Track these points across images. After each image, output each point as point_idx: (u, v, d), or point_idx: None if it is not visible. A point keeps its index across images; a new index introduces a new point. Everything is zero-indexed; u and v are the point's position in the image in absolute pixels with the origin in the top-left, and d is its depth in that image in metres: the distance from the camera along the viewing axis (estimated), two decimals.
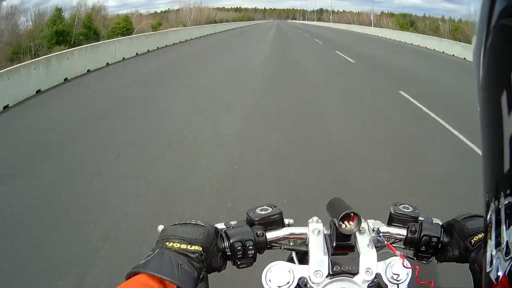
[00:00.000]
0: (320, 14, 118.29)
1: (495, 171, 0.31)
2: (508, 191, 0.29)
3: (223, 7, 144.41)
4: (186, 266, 0.65)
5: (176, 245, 0.68)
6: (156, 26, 37.66)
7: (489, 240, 0.32)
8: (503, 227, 0.30)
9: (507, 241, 0.29)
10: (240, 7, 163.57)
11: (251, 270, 0.81)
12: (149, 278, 0.62)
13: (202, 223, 0.75)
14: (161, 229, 0.74)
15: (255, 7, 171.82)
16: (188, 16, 45.29)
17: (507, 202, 0.29)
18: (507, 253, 0.29)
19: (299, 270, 0.74)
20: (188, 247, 0.68)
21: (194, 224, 0.74)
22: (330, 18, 71.10)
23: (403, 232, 0.84)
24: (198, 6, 53.54)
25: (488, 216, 0.32)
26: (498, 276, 0.29)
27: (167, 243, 0.68)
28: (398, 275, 0.75)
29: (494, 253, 0.30)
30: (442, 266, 0.88)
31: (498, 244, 0.30)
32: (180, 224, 0.74)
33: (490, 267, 0.31)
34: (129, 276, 0.63)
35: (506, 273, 0.29)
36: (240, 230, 0.79)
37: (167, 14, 52.56)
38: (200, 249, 0.69)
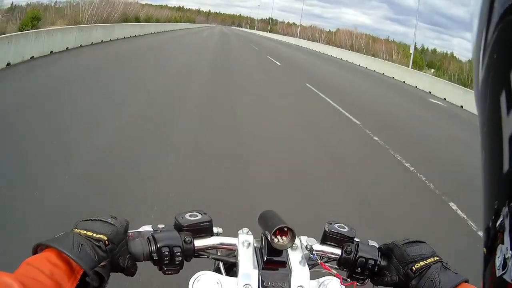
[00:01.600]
0: (269, 24, 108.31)
1: (496, 172, 0.31)
2: None
3: (166, 5, 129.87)
4: (87, 248, 0.64)
5: (83, 231, 0.67)
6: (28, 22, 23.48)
7: (500, 245, 0.31)
8: None
9: None
10: (183, 6, 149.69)
11: (175, 277, 0.77)
12: (56, 258, 0.61)
13: (111, 221, 0.71)
14: (74, 224, 0.71)
15: (199, 9, 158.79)
16: (86, 10, 31.34)
17: None
18: None
19: (227, 282, 0.72)
20: (94, 235, 0.67)
21: (104, 221, 0.71)
22: (298, 31, 60.14)
23: (337, 251, 0.82)
24: None
25: (498, 223, 0.31)
26: None
27: (75, 229, 0.68)
28: None
29: (509, 255, 0.30)
30: None
31: None
32: (91, 220, 0.71)
33: (504, 270, 0.30)
34: (35, 249, 0.64)
35: None
36: (168, 235, 0.75)
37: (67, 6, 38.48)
38: (105, 238, 0.67)
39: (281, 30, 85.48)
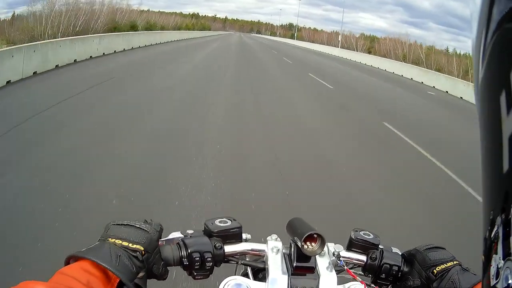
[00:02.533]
0: (294, 30, 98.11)
1: (495, 172, 0.31)
2: None
3: (181, 12, 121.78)
4: (125, 259, 0.63)
5: (118, 241, 0.66)
6: None
7: (494, 255, 0.32)
8: None
9: None
10: (197, 13, 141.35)
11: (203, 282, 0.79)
12: (91, 267, 0.61)
13: (145, 228, 0.71)
14: (104, 227, 0.71)
15: (215, 15, 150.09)
16: (52, 20, 21.78)
17: None
18: None
19: (256, 287, 0.73)
20: (130, 245, 0.66)
21: (138, 227, 0.70)
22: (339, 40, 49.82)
23: (362, 258, 0.84)
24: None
25: (493, 233, 0.32)
26: (508, 285, 0.29)
27: (109, 239, 0.67)
28: None
29: (501, 265, 0.31)
30: None
31: (507, 255, 0.30)
32: (123, 224, 0.70)
33: (497, 279, 0.31)
34: (68, 260, 0.63)
35: None
36: (198, 241, 0.76)
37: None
38: (142, 248, 0.67)
39: (307, 36, 75.25)
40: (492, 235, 0.32)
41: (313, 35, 74.55)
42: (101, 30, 28.65)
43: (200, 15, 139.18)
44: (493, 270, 0.31)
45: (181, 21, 64.23)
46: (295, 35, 70.03)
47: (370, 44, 53.00)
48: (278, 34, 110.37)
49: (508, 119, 0.29)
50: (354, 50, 49.07)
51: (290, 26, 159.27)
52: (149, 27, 43.68)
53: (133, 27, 38.00)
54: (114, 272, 0.60)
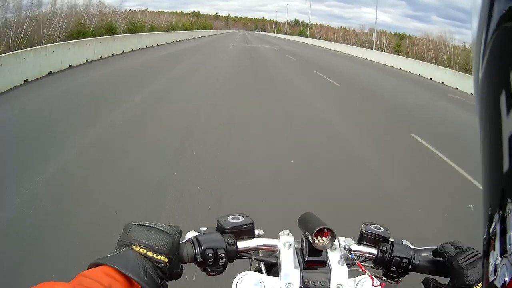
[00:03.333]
0: (306, 27, 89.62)
1: (495, 172, 0.31)
2: None
3: (181, 11, 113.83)
4: (151, 271, 0.64)
5: (143, 250, 0.66)
6: None
7: (492, 251, 0.32)
8: (510, 233, 0.30)
9: None
10: (198, 12, 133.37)
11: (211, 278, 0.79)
12: (114, 272, 0.60)
13: (167, 230, 0.71)
14: (124, 227, 0.70)
15: (217, 13, 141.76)
16: None
17: None
18: None
19: (269, 282, 0.74)
20: (155, 255, 0.66)
21: (160, 230, 0.70)
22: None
23: (373, 251, 0.84)
24: None
25: (491, 229, 0.32)
26: (505, 281, 0.29)
27: (134, 246, 0.66)
28: None
29: (498, 261, 0.31)
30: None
31: (504, 252, 0.30)
32: (145, 226, 0.70)
33: (494, 275, 0.31)
34: (92, 266, 0.62)
35: None
36: (211, 237, 0.77)
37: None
38: (166, 260, 0.67)
39: (318, 34, 66.95)
40: (490, 232, 0.32)
41: (326, 32, 66.24)
42: (59, 38, 21.02)
43: (202, 13, 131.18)
44: (491, 266, 0.32)
45: (178, 20, 56.40)
46: (308, 33, 61.56)
47: (396, 42, 44.84)
48: (285, 31, 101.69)
49: (508, 119, 0.29)
50: (380, 50, 40.97)
51: (296, 22, 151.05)
52: (134, 29, 36.12)
53: (111, 30, 30.34)
54: (142, 285, 0.61)
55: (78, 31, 24.71)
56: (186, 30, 54.73)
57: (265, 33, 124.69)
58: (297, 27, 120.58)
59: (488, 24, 0.31)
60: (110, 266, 0.61)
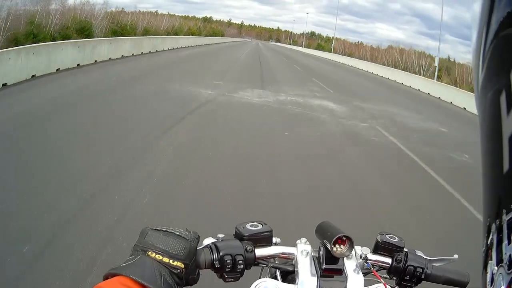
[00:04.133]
0: (323, 40, 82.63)
1: (495, 173, 0.32)
2: (511, 206, 0.30)
3: (194, 16, 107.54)
4: (168, 278, 0.63)
5: (159, 256, 0.65)
6: None
7: (489, 261, 0.33)
8: (505, 242, 0.30)
9: (509, 255, 0.30)
10: (210, 17, 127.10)
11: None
12: (130, 282, 0.60)
13: (185, 236, 0.70)
14: (141, 232, 0.70)
15: (230, 20, 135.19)
16: None
17: (509, 217, 0.30)
18: (509, 267, 0.30)
19: None
20: (171, 261, 0.66)
21: (178, 235, 0.69)
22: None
23: (388, 260, 0.85)
24: None
25: (489, 240, 0.33)
26: None
27: (149, 252, 0.65)
28: None
29: (495, 271, 0.31)
30: None
31: (500, 261, 0.31)
32: (162, 231, 0.69)
33: (491, 285, 0.32)
34: (107, 277, 0.61)
35: (509, 284, 0.30)
36: (230, 244, 0.77)
37: None
38: (182, 266, 0.67)
39: (340, 49, 59.62)
40: (488, 242, 0.32)
41: (349, 48, 58.82)
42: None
43: (214, 19, 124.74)
44: (488, 277, 0.32)
45: (183, 24, 49.54)
46: (332, 47, 53.79)
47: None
48: (303, 43, 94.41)
49: (508, 119, 0.29)
50: (418, 74, 33.48)
51: (312, 34, 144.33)
52: (119, 31, 29.14)
53: (83, 31, 23.26)
54: None
55: (27, 33, 17.57)
56: (192, 35, 48.09)
57: (279, 44, 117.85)
58: (314, 40, 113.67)
59: (488, 25, 0.31)
60: (126, 276, 0.60)
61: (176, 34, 44.03)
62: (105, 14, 27.64)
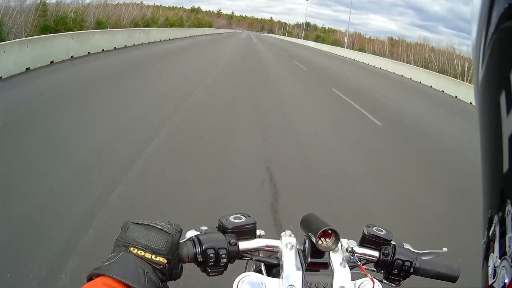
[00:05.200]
0: (307, 29, 73.70)
1: (495, 172, 0.31)
2: None
3: (182, 7, 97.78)
4: (151, 275, 0.62)
5: (141, 252, 0.64)
6: None
7: (491, 253, 0.32)
8: (509, 234, 0.30)
9: None
10: (198, 7, 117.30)
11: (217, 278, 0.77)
12: (113, 282, 0.59)
13: (167, 229, 0.68)
14: (122, 226, 0.68)
15: (219, 10, 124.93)
16: None
17: None
18: None
19: (271, 283, 0.72)
20: (153, 257, 0.64)
21: (159, 229, 0.68)
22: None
23: (375, 254, 0.83)
24: None
25: (491, 231, 0.32)
26: (504, 284, 0.29)
27: (131, 248, 0.64)
28: None
29: (498, 264, 0.31)
30: None
31: (503, 254, 0.30)
32: (144, 225, 0.67)
33: (494, 278, 0.31)
34: (91, 277, 0.60)
35: None
36: (213, 237, 0.74)
37: None
38: (165, 261, 0.65)
39: (348, 43, 50.98)
40: (490, 234, 0.32)
41: (360, 42, 50.07)
42: None
43: (204, 10, 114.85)
44: (490, 270, 0.31)
45: (157, 14, 40.53)
46: (345, 42, 44.57)
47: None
48: (299, 35, 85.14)
49: (508, 119, 0.29)
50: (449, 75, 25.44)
51: (307, 25, 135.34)
52: (53, 27, 20.41)
53: None
54: None
55: None
56: (171, 27, 39.22)
57: (273, 35, 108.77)
58: (311, 30, 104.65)
59: (488, 26, 0.31)
60: (109, 277, 0.58)
61: (147, 25, 35.32)
62: (29, 7, 18.93)
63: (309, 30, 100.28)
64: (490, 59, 0.31)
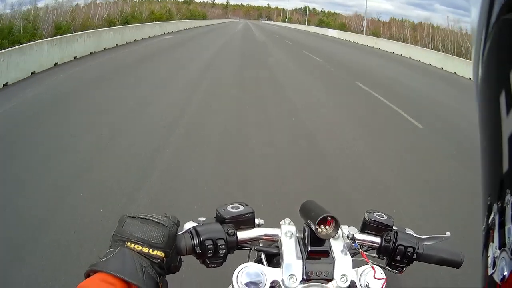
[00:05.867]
0: (307, 14, 67.70)
1: (495, 171, 0.31)
2: None
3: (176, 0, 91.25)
4: (149, 269, 0.62)
5: (138, 247, 0.63)
6: None
7: (490, 243, 0.31)
8: (509, 225, 0.29)
9: None
10: None
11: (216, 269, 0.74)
12: (111, 278, 0.58)
13: (163, 222, 0.68)
14: (118, 220, 0.68)
15: (213, 0, 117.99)
16: None
17: None
18: None
19: (271, 273, 0.71)
20: (150, 251, 0.64)
21: (156, 222, 0.67)
22: None
23: (377, 240, 0.81)
24: None
25: (490, 219, 0.32)
26: (504, 276, 0.29)
27: (128, 243, 0.63)
28: (369, 283, 0.72)
29: (497, 254, 0.30)
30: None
31: (502, 245, 0.30)
32: (140, 219, 0.67)
33: (493, 269, 0.30)
34: (88, 274, 0.60)
35: None
36: (211, 228, 0.73)
37: None
38: (163, 255, 0.65)
39: (357, 27, 44.97)
40: (489, 222, 0.31)
41: (371, 25, 43.68)
42: None
43: (198, 1, 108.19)
44: (490, 259, 0.31)
45: (139, 9, 34.86)
46: (364, 28, 37.60)
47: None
48: (300, 21, 78.60)
49: (508, 119, 0.29)
50: None
51: (306, 10, 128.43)
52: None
53: None
54: (142, 287, 0.58)
55: None
56: (157, 21, 33.62)
57: (272, 22, 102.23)
58: (313, 15, 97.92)
59: (488, 25, 0.30)
60: (107, 273, 0.58)
61: (126, 22, 29.82)
62: None
63: (310, 15, 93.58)
64: (489, 59, 0.31)
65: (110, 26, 23.78)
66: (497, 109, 0.29)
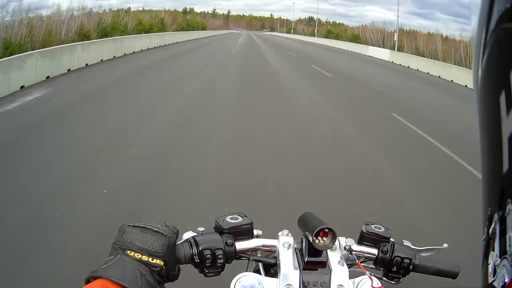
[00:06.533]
0: (332, 26, 62.66)
1: (495, 172, 0.31)
2: None
3: (175, 9, 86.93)
4: (148, 277, 0.62)
5: (138, 255, 0.64)
6: None
7: (491, 252, 0.32)
8: (510, 234, 0.29)
9: None
10: (192, 9, 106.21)
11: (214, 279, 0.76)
12: (111, 284, 0.59)
13: (163, 231, 0.68)
14: (119, 229, 0.68)
15: (214, 10, 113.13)
16: None
17: None
18: None
19: (268, 283, 0.71)
20: (150, 259, 0.64)
21: (156, 231, 0.67)
22: None
23: (373, 251, 0.82)
24: None
25: (491, 229, 0.32)
26: (505, 283, 0.29)
27: (128, 251, 0.64)
28: None
29: (498, 262, 0.30)
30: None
31: (503, 253, 0.30)
32: (140, 227, 0.67)
33: (494, 276, 0.31)
34: (89, 280, 0.60)
35: None
36: (209, 238, 0.74)
37: None
38: (162, 263, 0.65)
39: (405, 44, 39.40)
40: (490, 232, 0.31)
41: (409, 39, 37.81)
42: None
43: (198, 12, 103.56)
44: (490, 268, 0.31)
45: (127, 19, 29.55)
46: (395, 41, 31.44)
47: None
48: (316, 33, 73.00)
49: (508, 119, 0.29)
50: None
51: (310, 20, 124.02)
52: None
53: None
54: None
55: None
56: (147, 33, 28.33)
57: (276, 33, 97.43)
58: (321, 26, 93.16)
59: (488, 25, 0.30)
60: (107, 279, 0.59)
61: (105, 35, 24.41)
62: None
63: (319, 25, 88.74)
64: (489, 59, 0.31)
65: (83, 40, 18.57)
66: (497, 109, 0.29)
